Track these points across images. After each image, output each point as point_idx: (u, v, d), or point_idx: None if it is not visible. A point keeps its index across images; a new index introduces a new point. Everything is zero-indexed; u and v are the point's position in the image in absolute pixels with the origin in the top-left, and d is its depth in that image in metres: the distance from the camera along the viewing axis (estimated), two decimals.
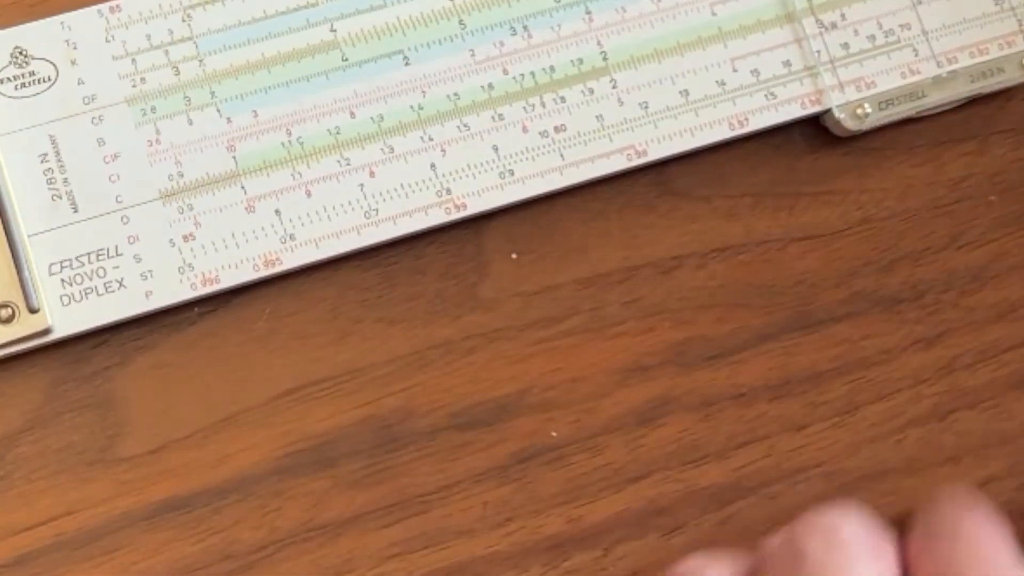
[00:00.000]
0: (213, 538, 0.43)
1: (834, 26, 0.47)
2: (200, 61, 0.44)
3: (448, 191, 0.44)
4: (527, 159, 0.45)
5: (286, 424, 0.44)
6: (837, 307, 0.46)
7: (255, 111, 0.44)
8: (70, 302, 0.42)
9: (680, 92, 0.46)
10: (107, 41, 0.44)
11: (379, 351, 0.44)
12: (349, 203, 0.44)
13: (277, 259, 0.43)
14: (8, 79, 0.43)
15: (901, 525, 0.43)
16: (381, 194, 0.44)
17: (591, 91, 0.46)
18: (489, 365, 0.45)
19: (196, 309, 0.44)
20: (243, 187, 0.44)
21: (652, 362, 0.45)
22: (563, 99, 0.45)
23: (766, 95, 0.46)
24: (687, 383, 0.45)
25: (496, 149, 0.45)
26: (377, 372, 0.44)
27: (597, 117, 0.45)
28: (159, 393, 0.43)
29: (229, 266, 0.43)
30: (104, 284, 0.43)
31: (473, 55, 0.45)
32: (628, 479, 0.45)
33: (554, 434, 0.45)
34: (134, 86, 0.44)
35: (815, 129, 0.47)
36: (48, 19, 0.44)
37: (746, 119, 0.46)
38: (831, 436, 0.46)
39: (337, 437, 0.44)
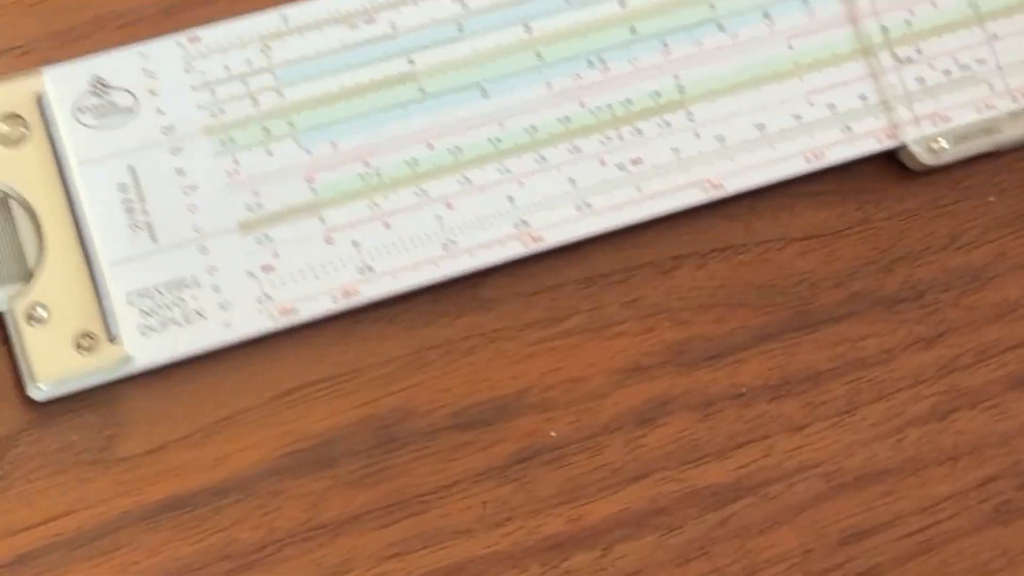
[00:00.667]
0: (212, 538, 0.43)
1: (910, 60, 0.47)
2: (279, 92, 0.44)
3: (525, 223, 0.44)
4: (604, 191, 0.45)
5: (285, 424, 0.44)
6: (837, 307, 0.47)
7: (333, 142, 0.44)
8: (149, 332, 0.42)
9: (756, 125, 0.46)
10: (186, 71, 0.44)
11: (378, 351, 0.44)
12: (427, 235, 0.44)
13: (355, 290, 0.43)
14: (88, 109, 0.43)
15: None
16: (459, 226, 0.44)
17: (668, 124, 0.46)
18: (489, 365, 0.45)
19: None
20: (321, 218, 0.44)
21: (652, 362, 0.45)
22: (640, 132, 0.45)
23: (842, 129, 0.46)
24: (687, 383, 0.45)
25: (573, 182, 0.45)
26: (377, 372, 0.44)
27: (673, 150, 0.45)
28: (158, 393, 0.43)
29: (307, 297, 0.43)
30: (183, 315, 0.43)
31: (550, 87, 0.45)
32: (627, 479, 0.45)
33: (553, 434, 0.45)
34: (213, 116, 0.44)
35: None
36: (127, 48, 0.44)
37: (822, 153, 0.46)
38: (831, 436, 0.46)
39: (336, 437, 0.44)
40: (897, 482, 0.46)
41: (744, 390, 0.46)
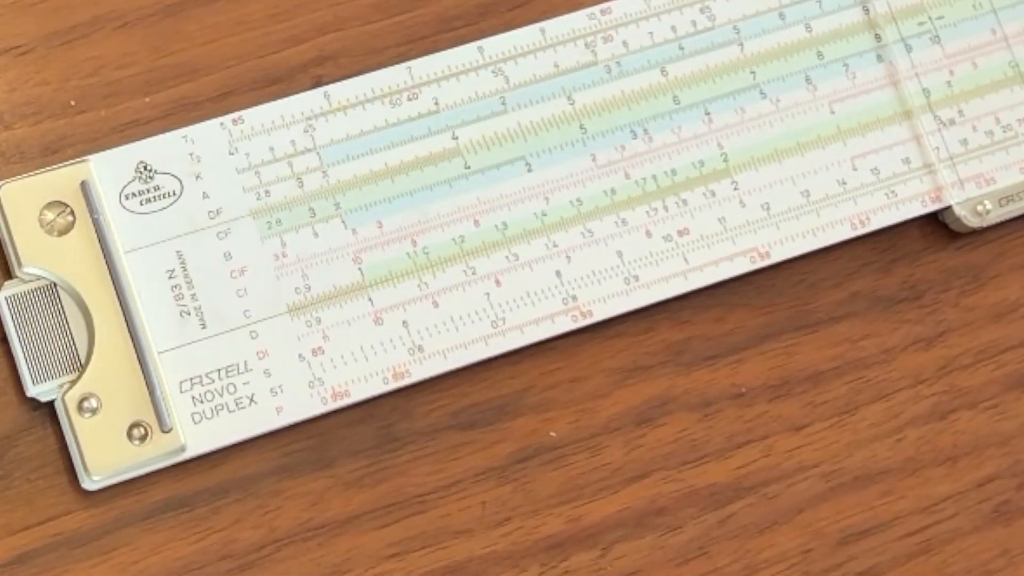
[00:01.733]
0: (212, 537, 0.43)
1: (952, 122, 0.47)
2: (324, 172, 0.44)
3: (574, 298, 0.44)
4: (651, 264, 0.45)
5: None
6: (836, 307, 0.47)
7: (380, 221, 0.44)
8: (201, 419, 0.42)
9: (801, 192, 0.46)
10: (231, 154, 0.44)
11: None
12: (476, 313, 0.44)
13: (406, 371, 0.43)
14: (134, 194, 0.43)
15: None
16: (508, 303, 0.44)
17: (713, 193, 0.45)
18: (489, 365, 0.45)
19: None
20: (370, 299, 0.43)
21: (651, 362, 0.46)
22: (685, 202, 0.45)
23: (887, 193, 0.46)
24: (686, 383, 0.46)
25: (620, 254, 0.45)
26: None
27: (719, 219, 0.45)
28: None
29: (359, 379, 0.43)
30: (235, 400, 0.42)
31: (595, 160, 0.45)
32: (627, 479, 0.45)
33: (553, 434, 0.45)
34: (259, 199, 0.44)
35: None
36: (171, 133, 0.44)
37: (867, 218, 0.46)
38: (830, 436, 0.46)
39: (336, 436, 0.44)
40: (897, 482, 0.46)
41: (744, 390, 0.46)
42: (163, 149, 0.44)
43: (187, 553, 0.42)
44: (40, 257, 0.42)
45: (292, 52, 0.46)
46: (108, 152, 0.43)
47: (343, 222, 0.44)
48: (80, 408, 0.42)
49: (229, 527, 0.43)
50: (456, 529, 0.44)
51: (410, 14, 0.47)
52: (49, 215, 0.43)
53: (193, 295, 0.43)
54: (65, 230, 0.43)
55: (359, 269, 0.44)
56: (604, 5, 0.46)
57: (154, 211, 0.43)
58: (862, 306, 0.47)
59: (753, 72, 0.46)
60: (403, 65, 0.45)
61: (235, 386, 0.42)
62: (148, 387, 0.42)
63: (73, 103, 0.45)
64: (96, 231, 0.43)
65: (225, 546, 0.43)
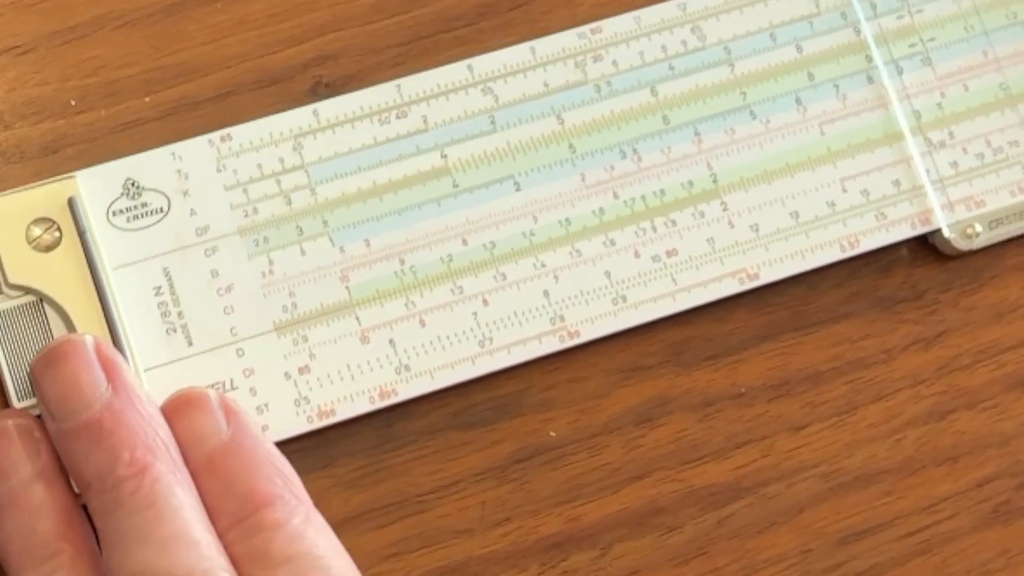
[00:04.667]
0: None
1: (943, 144, 0.47)
2: (312, 190, 0.44)
3: (562, 318, 0.44)
4: (639, 284, 0.45)
5: None
6: (836, 307, 0.47)
7: (367, 240, 0.44)
8: None
9: (790, 214, 0.46)
10: (218, 171, 0.44)
11: None
12: (463, 332, 0.44)
13: (392, 391, 0.43)
14: (121, 211, 0.43)
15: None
16: (495, 322, 0.44)
17: (702, 214, 0.45)
18: None
19: None
20: (357, 318, 0.43)
21: (651, 362, 0.45)
22: (674, 223, 0.45)
23: (876, 215, 0.46)
24: (686, 383, 0.46)
25: (608, 275, 0.45)
26: None
27: (708, 240, 0.45)
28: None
29: (345, 398, 0.43)
30: None
31: (584, 179, 0.45)
32: (627, 479, 0.45)
33: (552, 434, 0.45)
34: (246, 216, 0.44)
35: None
36: (158, 149, 0.44)
37: (857, 240, 0.46)
38: (830, 436, 0.46)
39: (335, 436, 0.44)
40: (896, 482, 0.46)
41: (743, 390, 0.46)
42: (151, 165, 0.43)
43: None
44: (26, 273, 0.42)
45: (292, 52, 0.46)
46: (95, 168, 0.43)
47: (331, 240, 0.44)
48: None
49: None
50: (455, 529, 0.44)
51: (410, 14, 0.47)
52: (36, 231, 0.42)
53: (180, 312, 0.43)
54: (52, 246, 0.42)
55: (346, 288, 0.44)
56: (594, 24, 0.46)
57: (141, 228, 0.43)
58: (862, 306, 0.47)
59: (743, 93, 0.46)
60: (392, 83, 0.45)
61: None
62: None
63: (73, 103, 0.45)
64: (83, 247, 0.42)
65: None
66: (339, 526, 0.42)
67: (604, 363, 0.45)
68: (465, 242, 0.44)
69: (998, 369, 0.47)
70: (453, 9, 0.47)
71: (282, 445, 0.42)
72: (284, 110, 0.45)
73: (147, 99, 0.45)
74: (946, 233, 0.46)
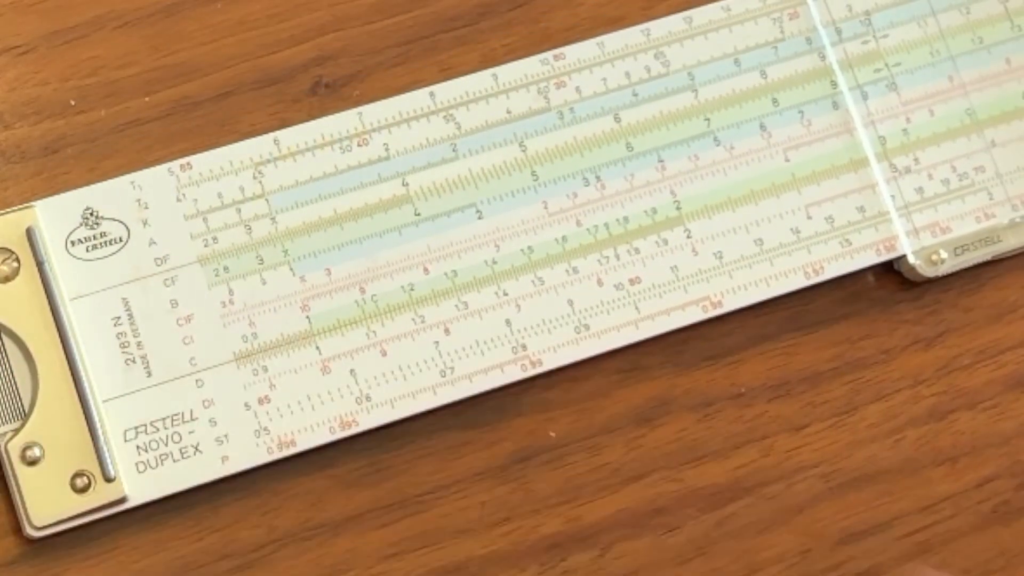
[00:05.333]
0: (212, 536, 0.43)
1: (908, 170, 0.47)
2: (272, 219, 0.44)
3: (524, 347, 0.44)
4: (602, 312, 0.45)
5: None
6: (836, 307, 0.46)
7: (328, 269, 0.44)
8: (146, 469, 0.42)
9: (755, 241, 0.46)
10: (178, 200, 0.44)
11: None
12: (424, 362, 0.44)
13: (353, 421, 0.43)
14: (80, 241, 0.43)
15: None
16: (457, 351, 0.44)
17: (665, 241, 0.45)
18: None
19: None
20: (318, 347, 0.43)
21: (651, 362, 0.45)
22: (637, 250, 0.45)
23: (840, 242, 0.46)
24: (686, 383, 0.46)
25: (571, 303, 0.44)
26: None
27: (672, 268, 0.45)
28: None
29: (305, 429, 0.43)
30: (180, 450, 0.42)
31: (546, 207, 0.45)
32: (626, 479, 0.45)
33: (552, 434, 0.45)
34: (206, 245, 0.43)
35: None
36: (118, 179, 0.44)
37: (821, 267, 0.46)
38: (830, 436, 0.46)
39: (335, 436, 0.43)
40: (896, 482, 0.46)
41: (743, 390, 0.46)
42: (110, 195, 0.43)
43: (187, 552, 0.43)
44: None
45: (292, 52, 0.46)
46: (54, 198, 0.43)
47: (291, 269, 0.44)
48: (23, 457, 0.41)
49: (229, 526, 0.43)
50: (456, 529, 0.44)
51: (410, 14, 0.47)
52: None
53: (139, 343, 0.43)
54: (10, 277, 0.42)
55: (307, 317, 0.43)
56: (557, 51, 0.46)
57: (100, 258, 0.43)
58: (861, 306, 0.47)
59: (707, 119, 0.46)
60: (353, 111, 0.45)
61: (180, 435, 0.42)
62: (92, 436, 0.42)
63: (73, 103, 0.45)
64: (41, 278, 0.42)
65: (225, 545, 0.43)
66: (339, 526, 0.43)
67: (604, 363, 0.45)
68: (427, 271, 0.44)
69: (998, 369, 0.47)
70: (453, 9, 0.47)
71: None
72: (284, 110, 0.45)
73: (147, 99, 0.45)
74: (911, 260, 0.46)
